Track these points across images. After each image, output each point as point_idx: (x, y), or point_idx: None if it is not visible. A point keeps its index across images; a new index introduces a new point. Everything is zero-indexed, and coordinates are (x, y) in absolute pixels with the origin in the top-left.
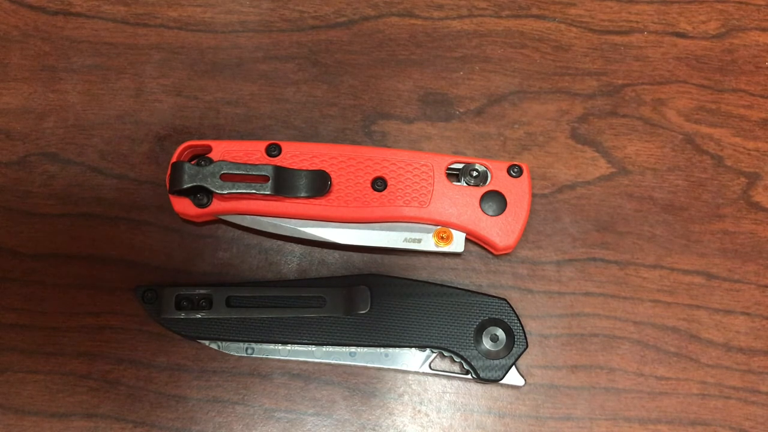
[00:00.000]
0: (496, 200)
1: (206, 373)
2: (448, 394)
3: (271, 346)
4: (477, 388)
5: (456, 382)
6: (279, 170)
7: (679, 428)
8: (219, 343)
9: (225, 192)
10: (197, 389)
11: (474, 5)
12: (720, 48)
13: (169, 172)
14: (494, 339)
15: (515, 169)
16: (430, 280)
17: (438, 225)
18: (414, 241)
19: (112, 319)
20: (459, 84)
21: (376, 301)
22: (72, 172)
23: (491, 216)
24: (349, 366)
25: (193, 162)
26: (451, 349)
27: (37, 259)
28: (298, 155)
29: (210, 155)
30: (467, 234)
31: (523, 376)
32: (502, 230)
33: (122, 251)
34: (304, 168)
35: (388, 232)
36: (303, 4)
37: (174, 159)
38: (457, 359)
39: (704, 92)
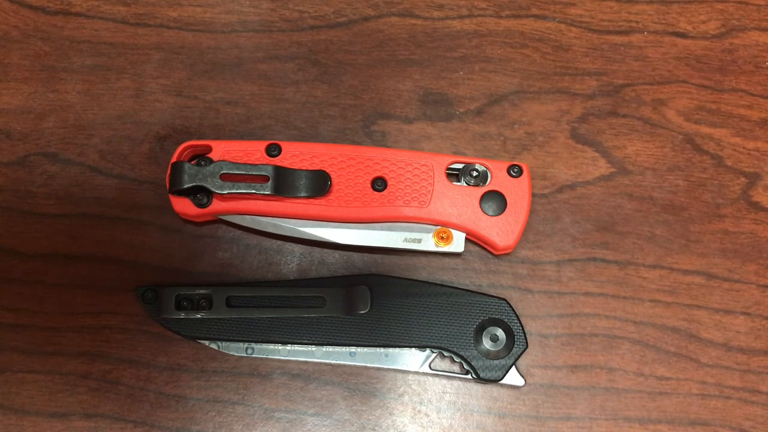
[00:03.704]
0: (496, 200)
1: (206, 373)
2: (448, 394)
3: (271, 346)
4: (477, 388)
5: (456, 382)
6: (279, 170)
7: (679, 428)
8: (219, 343)
9: (225, 192)
10: (197, 389)
11: (474, 5)
12: (720, 48)
13: (169, 172)
14: (494, 339)
15: (515, 169)
16: (430, 280)
17: (438, 225)
18: (414, 241)
19: (112, 319)
20: (459, 84)
21: (376, 301)
22: (72, 172)
23: (491, 216)
24: (349, 366)
25: (193, 162)
26: (451, 349)
27: (37, 259)
28: (298, 155)
29: (210, 155)
30: (467, 234)
31: (523, 376)
32: (502, 230)
33: (122, 251)
34: (304, 168)
35: (388, 232)
36: (303, 4)
37: (174, 159)
38: (457, 359)
39: (704, 92)
